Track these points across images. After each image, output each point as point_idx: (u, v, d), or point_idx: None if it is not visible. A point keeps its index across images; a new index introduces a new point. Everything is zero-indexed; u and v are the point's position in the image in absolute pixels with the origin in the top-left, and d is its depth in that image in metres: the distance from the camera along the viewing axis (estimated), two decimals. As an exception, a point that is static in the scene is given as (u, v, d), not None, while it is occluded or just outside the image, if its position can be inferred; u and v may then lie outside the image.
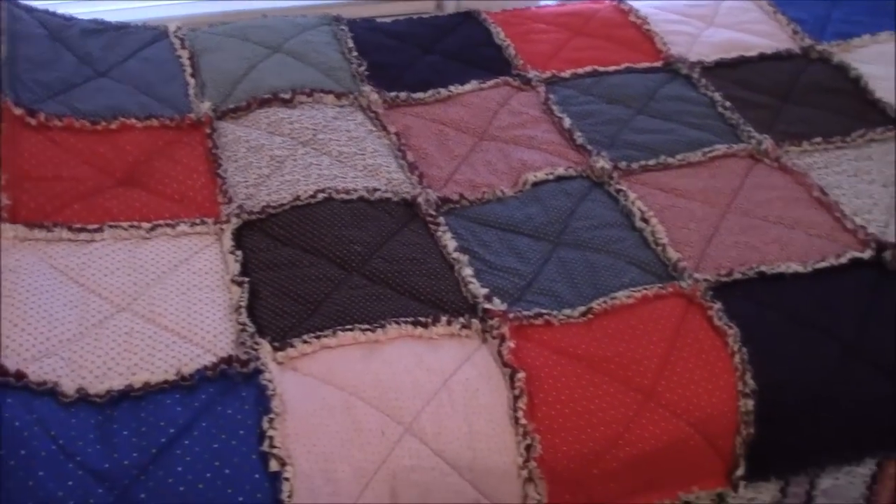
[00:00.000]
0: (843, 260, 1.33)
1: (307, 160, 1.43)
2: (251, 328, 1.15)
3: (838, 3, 1.97)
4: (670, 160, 1.51)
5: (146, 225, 1.30)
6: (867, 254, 1.34)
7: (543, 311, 1.22)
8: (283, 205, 1.34)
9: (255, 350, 1.12)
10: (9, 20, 1.59)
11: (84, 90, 1.52)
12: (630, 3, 1.91)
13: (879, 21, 1.90)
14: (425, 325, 1.18)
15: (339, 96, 1.58)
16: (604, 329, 1.21)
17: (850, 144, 1.57)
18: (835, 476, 1.30)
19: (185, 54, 1.64)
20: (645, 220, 1.37)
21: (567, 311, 1.22)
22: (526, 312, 1.21)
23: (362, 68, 1.65)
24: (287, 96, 1.55)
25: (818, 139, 1.57)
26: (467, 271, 1.27)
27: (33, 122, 1.41)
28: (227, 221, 1.31)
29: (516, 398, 1.11)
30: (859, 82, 1.72)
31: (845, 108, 1.67)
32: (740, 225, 1.39)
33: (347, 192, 1.37)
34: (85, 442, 1.00)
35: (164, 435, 1.02)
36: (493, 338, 1.17)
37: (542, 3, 1.99)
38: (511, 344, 1.16)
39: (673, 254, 1.32)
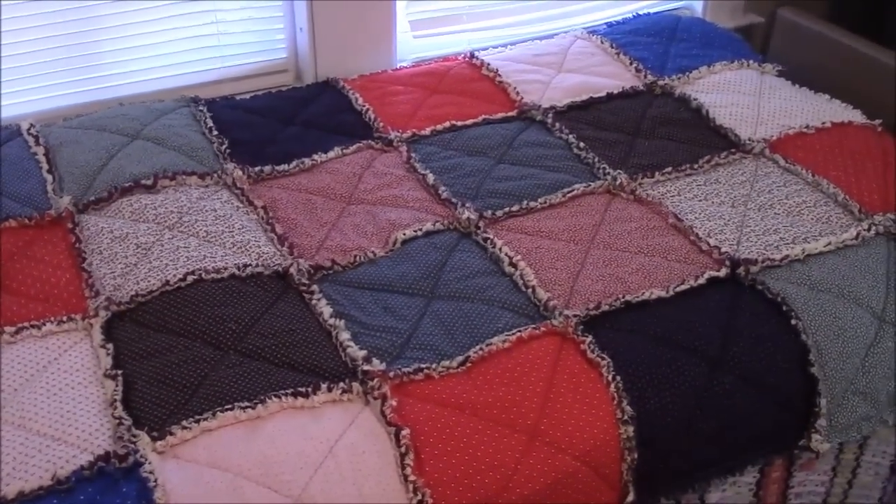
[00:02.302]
0: (702, 280, 1.40)
1: (174, 244, 1.43)
2: (127, 421, 1.13)
3: (675, 40, 2.08)
4: (533, 204, 1.56)
5: (10, 329, 1.27)
6: (723, 272, 1.41)
7: (423, 365, 1.24)
8: (152, 292, 1.33)
9: (133, 443, 1.10)
10: None
11: (-65, 197, 1.48)
12: (481, 57, 1.98)
13: (713, 53, 2.02)
14: (306, 395, 1.18)
15: (202, 177, 1.59)
16: (483, 376, 1.23)
17: (698, 171, 1.66)
18: (722, 488, 1.35)
19: (40, 151, 1.61)
20: (513, 265, 1.41)
21: (446, 363, 1.25)
22: (405, 369, 1.23)
23: (224, 146, 1.66)
24: (149, 182, 1.55)
25: (669, 169, 1.65)
26: (344, 336, 1.28)
27: None
28: (96, 315, 1.29)
29: (403, 455, 1.12)
30: (701, 111, 1.82)
31: (691, 137, 1.76)
32: (604, 258, 1.45)
33: (217, 271, 1.37)
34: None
35: (42, 544, 0.99)
36: (375, 398, 1.18)
37: (399, 65, 2.03)
38: (393, 402, 1.17)
39: (543, 294, 1.36)
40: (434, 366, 1.24)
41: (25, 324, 1.28)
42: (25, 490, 1.04)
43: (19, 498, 1.03)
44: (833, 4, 2.40)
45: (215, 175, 1.60)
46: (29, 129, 1.67)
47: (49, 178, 1.56)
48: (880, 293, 1.41)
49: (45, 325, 1.28)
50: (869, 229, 1.51)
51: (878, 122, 1.81)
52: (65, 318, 1.29)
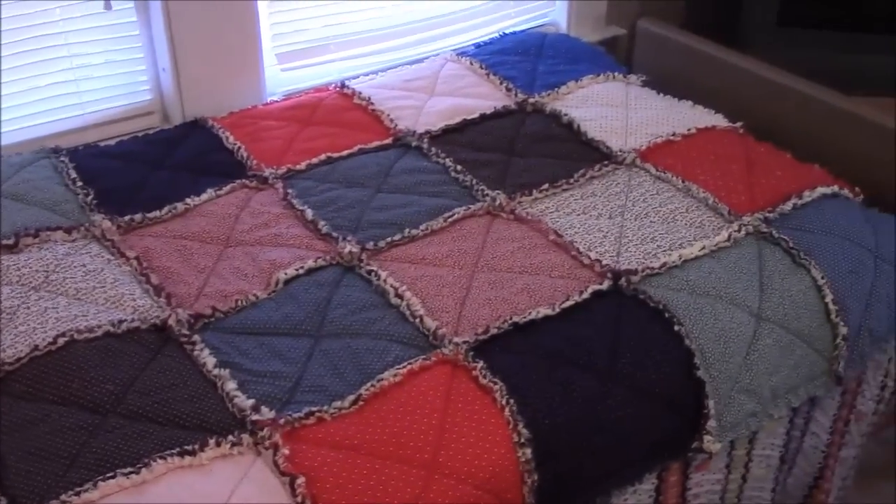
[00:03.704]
0: (586, 295, 1.42)
1: (41, 305, 1.35)
2: (2, 501, 1.06)
3: (542, 57, 2.12)
4: (415, 231, 1.55)
5: None
6: (606, 284, 1.44)
7: (314, 408, 1.21)
8: (20, 359, 1.25)
9: (9, 525, 1.03)
10: None
11: None
12: (352, 86, 1.97)
13: (580, 67, 2.07)
14: (193, 453, 1.13)
15: (68, 231, 1.51)
16: (376, 413, 1.21)
17: (574, 185, 1.68)
18: (623, 497, 1.37)
19: None
20: (399, 296, 1.40)
21: (337, 404, 1.22)
22: (296, 414, 1.20)
23: (90, 197, 1.59)
24: (10, 242, 1.47)
25: (546, 186, 1.67)
26: (230, 385, 1.24)
27: None
28: (-41, 390, 1.21)
29: (300, 505, 1.09)
30: (572, 126, 1.85)
31: (565, 152, 1.79)
32: (489, 281, 1.45)
33: (91, 329, 1.31)
34: None
35: None
36: (267, 448, 1.15)
37: (270, 99, 2.00)
38: (285, 451, 1.14)
39: (431, 323, 1.35)
40: (325, 408, 1.21)
41: None
42: None
43: None
44: (689, 13, 2.49)
45: (82, 228, 1.53)
46: None
47: None
48: (755, 292, 1.46)
49: None
50: (739, 230, 1.56)
51: (739, 124, 1.88)
52: (-75, 397, 1.21)
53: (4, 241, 1.47)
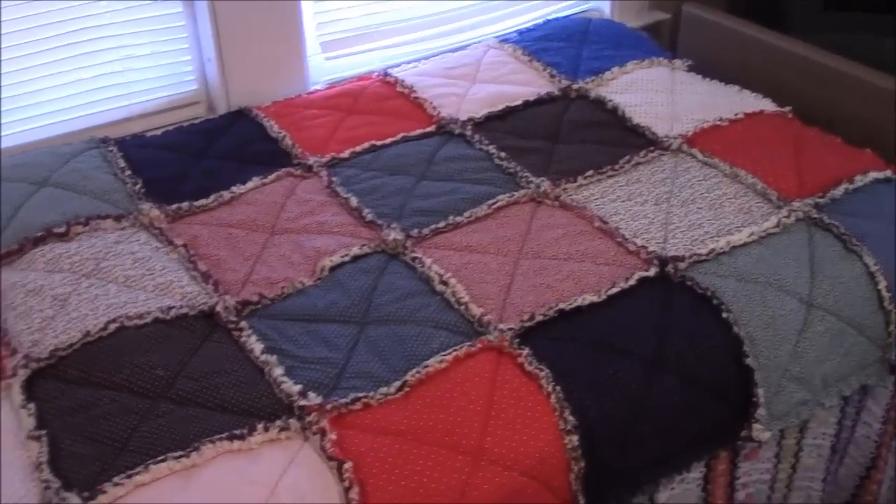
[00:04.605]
0: (632, 281, 1.40)
1: (93, 292, 1.37)
2: (55, 483, 1.08)
3: (586, 43, 2.10)
4: (458, 219, 1.55)
5: (-77, 398, 1.20)
6: (652, 271, 1.42)
7: (360, 394, 1.21)
8: (72, 345, 1.27)
9: (64, 506, 1.05)
10: None
11: None
12: (395, 74, 1.97)
13: (624, 53, 2.04)
14: (242, 437, 1.14)
15: (118, 219, 1.54)
16: (422, 399, 1.21)
17: (619, 171, 1.67)
18: (670, 487, 1.36)
19: (-57, 206, 1.55)
20: (444, 283, 1.40)
21: (384, 390, 1.22)
22: (343, 400, 1.20)
23: (138, 186, 1.61)
24: (62, 230, 1.49)
25: (590, 172, 1.66)
26: (278, 371, 1.25)
27: None
28: (14, 375, 1.23)
29: (347, 490, 1.10)
30: (617, 112, 1.84)
31: (610, 139, 1.77)
32: (534, 268, 1.44)
33: (140, 316, 1.32)
34: None
35: None
36: (314, 434, 1.15)
37: (313, 88, 2.01)
38: (333, 436, 1.14)
39: (476, 310, 1.35)
40: (372, 394, 1.21)
41: (-61, 391, 1.22)
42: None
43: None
44: (734, -4, 2.46)
45: (131, 217, 1.55)
46: (-71, 185, 1.60)
47: (-46, 234, 1.49)
48: (805, 279, 1.44)
49: (-40, 390, 1.22)
50: (789, 216, 1.53)
51: (787, 109, 1.85)
52: (-19, 382, 1.24)
53: (56, 230, 1.49)
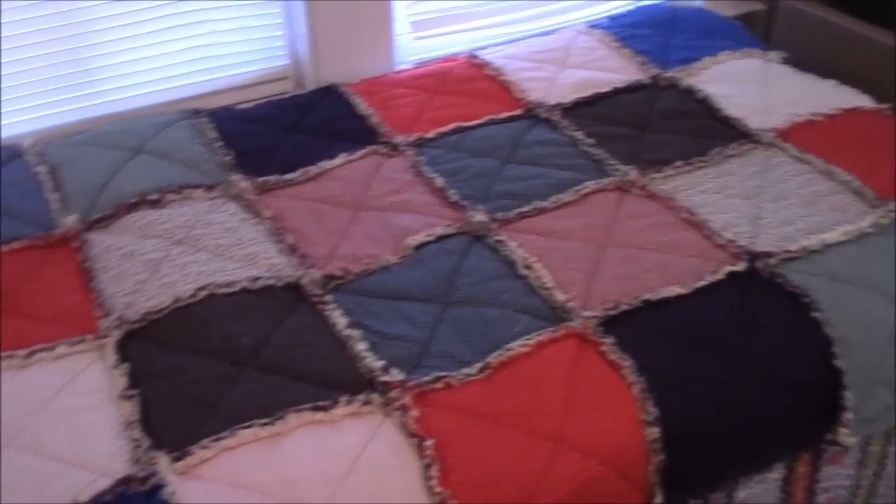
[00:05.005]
0: (720, 276, 1.38)
1: (184, 259, 1.40)
2: (146, 443, 1.11)
3: (677, 31, 2.06)
4: (544, 204, 1.54)
5: (22, 352, 1.24)
6: (741, 266, 1.40)
7: (442, 373, 1.22)
8: (163, 309, 1.31)
9: (153, 465, 1.08)
10: None
11: (-59, 220, 1.46)
12: (483, 56, 1.96)
13: (716, 43, 2.00)
14: (325, 409, 1.16)
15: (208, 189, 1.57)
16: (504, 382, 1.21)
17: (709, 163, 1.64)
18: (749, 486, 1.33)
19: (43, 169, 1.60)
20: (528, 267, 1.39)
21: (465, 370, 1.23)
22: (425, 378, 1.21)
23: (228, 157, 1.64)
24: (155, 197, 1.53)
25: (679, 162, 1.63)
26: (361, 346, 1.26)
27: None
28: (108, 335, 1.27)
29: (427, 467, 1.10)
30: (708, 102, 1.80)
31: (700, 129, 1.74)
32: (619, 257, 1.43)
33: (229, 285, 1.35)
34: None
35: (66, 573, 0.97)
36: (396, 410, 1.16)
37: (400, 67, 2.01)
38: (415, 413, 1.15)
39: (560, 295, 1.34)
40: (454, 374, 1.22)
41: (37, 346, 1.26)
42: (45, 518, 1.02)
43: (39, 526, 1.01)
44: (834, -12, 2.38)
45: (221, 187, 1.57)
46: (30, 149, 1.65)
47: (54, 196, 1.54)
48: (900, 281, 1.39)
49: (56, 347, 1.26)
50: (885, 216, 1.49)
51: (886, 106, 1.79)
52: (77, 339, 1.27)
53: (150, 197, 1.53)
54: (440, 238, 1.47)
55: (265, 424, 1.13)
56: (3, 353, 1.24)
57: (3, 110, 1.75)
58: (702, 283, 1.36)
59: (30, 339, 1.27)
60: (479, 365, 1.23)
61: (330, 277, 1.39)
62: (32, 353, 1.25)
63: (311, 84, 1.95)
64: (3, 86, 1.74)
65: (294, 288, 1.37)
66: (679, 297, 1.34)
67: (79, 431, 1.14)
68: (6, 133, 1.75)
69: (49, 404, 1.18)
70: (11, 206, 1.52)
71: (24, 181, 1.58)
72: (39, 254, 1.43)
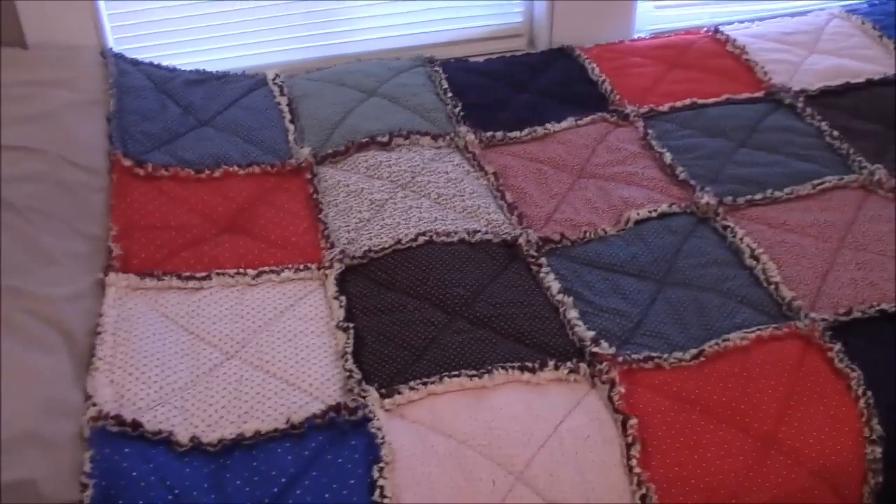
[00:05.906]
0: (972, 296, 1.26)
1: (407, 203, 1.43)
2: (358, 375, 1.15)
3: (948, 23, 1.89)
4: (778, 194, 1.46)
5: (251, 272, 1.31)
6: None
7: (653, 354, 1.19)
8: (384, 249, 1.34)
9: (363, 397, 1.12)
10: (117, 74, 1.65)
11: (188, 139, 1.56)
12: (727, 32, 1.87)
13: None
14: (532, 370, 1.16)
15: (435, 138, 1.59)
16: (717, 372, 1.17)
17: (970, 172, 1.50)
18: (970, 526, 1.22)
19: (283, 101, 1.67)
20: (755, 258, 1.33)
21: (678, 354, 1.19)
22: (635, 356, 1.18)
23: (458, 109, 1.65)
24: (384, 139, 1.56)
25: (936, 168, 1.50)
26: (572, 313, 1.24)
27: (141, 172, 1.45)
28: (330, 267, 1.32)
29: (629, 446, 1.08)
30: (977, 106, 1.64)
31: (963, 134, 1.59)
32: (856, 261, 1.33)
33: (448, 234, 1.37)
34: (199, 492, 1.01)
35: (275, 485, 1.02)
36: (603, 383, 1.14)
37: (637, 35, 1.95)
38: (621, 389, 1.13)
39: (787, 292, 1.27)
40: (665, 356, 1.18)
41: (265, 268, 1.32)
42: (262, 430, 1.08)
43: (256, 436, 1.07)
44: None
45: (448, 137, 1.59)
46: (274, 79, 1.73)
47: (291, 127, 1.61)
48: None
49: (283, 271, 1.32)
50: None
51: None
52: (301, 267, 1.33)
53: (379, 138, 1.56)
54: (663, 215, 1.43)
55: (473, 376, 1.14)
56: (235, 271, 1.31)
57: (250, 42, 1.84)
58: (949, 301, 1.25)
59: (259, 260, 1.34)
60: (693, 351, 1.19)
61: (546, 240, 1.38)
62: (260, 274, 1.31)
63: (542, 44, 1.93)
64: (251, 19, 1.83)
65: (510, 246, 1.37)
66: (921, 313, 1.24)
67: (297, 354, 1.19)
68: (251, 63, 1.84)
69: (272, 324, 1.24)
70: (252, 132, 1.60)
71: (265, 110, 1.66)
72: (274, 180, 1.50)
